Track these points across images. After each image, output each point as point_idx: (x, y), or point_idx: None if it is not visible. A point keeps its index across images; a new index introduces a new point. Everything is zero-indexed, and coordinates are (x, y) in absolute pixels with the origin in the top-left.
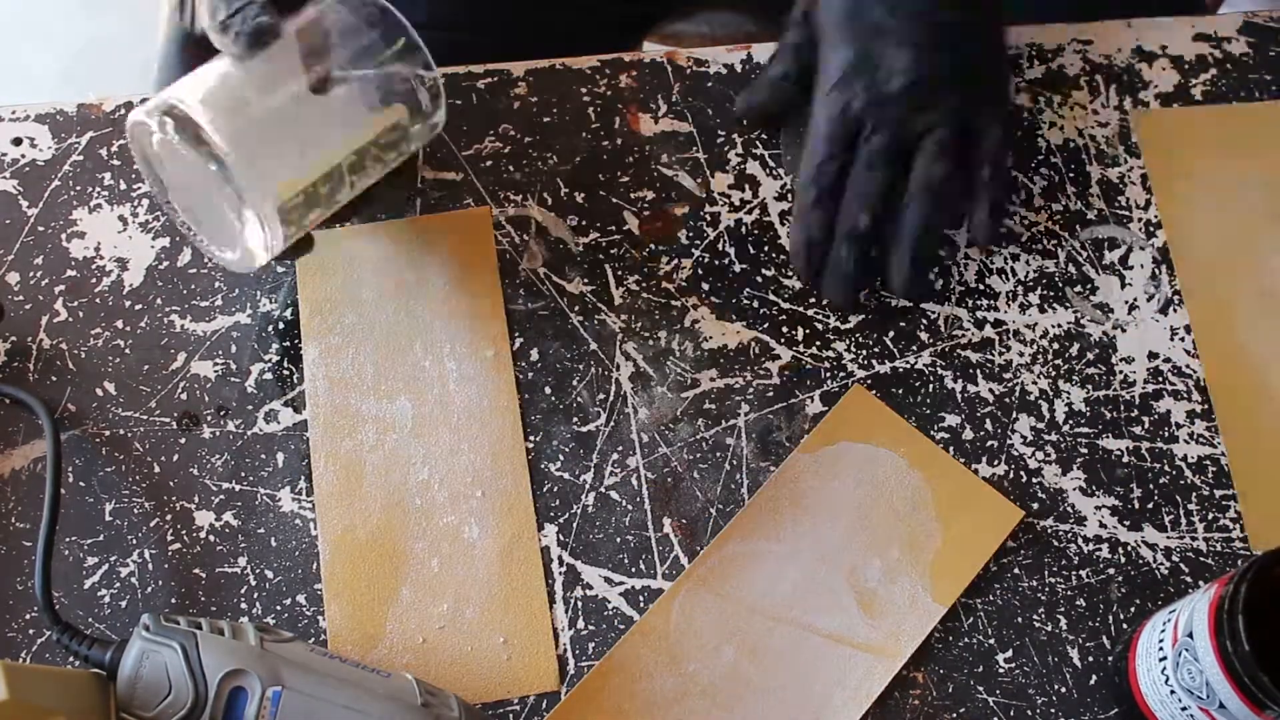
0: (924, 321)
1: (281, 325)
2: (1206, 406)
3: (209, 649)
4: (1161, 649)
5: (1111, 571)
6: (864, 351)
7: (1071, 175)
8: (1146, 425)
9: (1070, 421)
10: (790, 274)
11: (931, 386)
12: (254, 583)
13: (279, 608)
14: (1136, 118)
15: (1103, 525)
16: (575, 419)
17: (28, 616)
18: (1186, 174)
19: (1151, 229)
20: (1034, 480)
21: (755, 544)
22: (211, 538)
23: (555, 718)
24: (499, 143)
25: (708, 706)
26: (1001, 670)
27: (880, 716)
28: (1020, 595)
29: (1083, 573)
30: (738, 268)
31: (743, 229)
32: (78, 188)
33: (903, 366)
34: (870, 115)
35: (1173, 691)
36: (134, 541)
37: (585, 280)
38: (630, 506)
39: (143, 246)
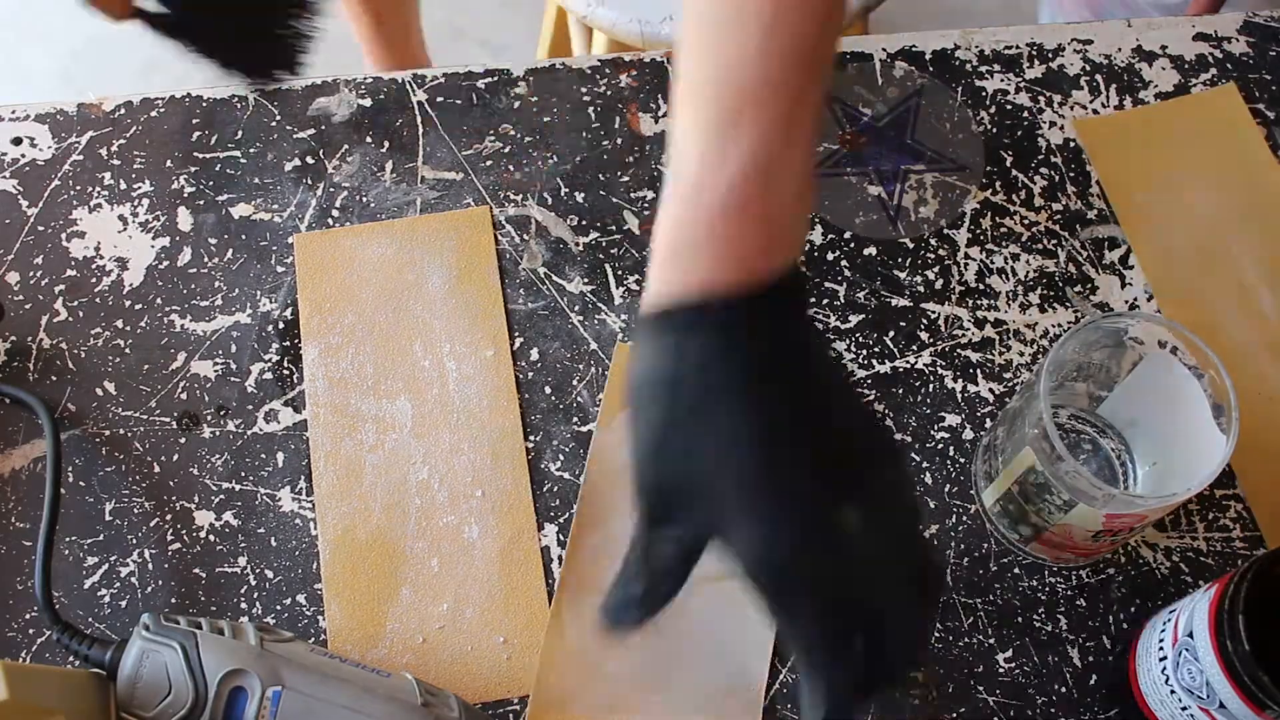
0: (924, 321)
1: (281, 325)
2: None
3: (209, 649)
4: (1161, 649)
5: (1111, 571)
6: (864, 351)
7: (1071, 175)
8: None
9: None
10: None
11: (931, 386)
12: (254, 583)
13: (279, 608)
14: (1079, 126)
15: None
16: (575, 419)
17: (28, 616)
18: (1142, 178)
19: None
20: None
21: (605, 530)
22: (211, 538)
23: None
24: (499, 143)
25: (646, 692)
26: (1001, 670)
27: (881, 716)
28: (1020, 595)
29: (1083, 573)
30: None
31: None
32: (78, 188)
33: (903, 366)
34: None
35: (1173, 691)
36: (134, 541)
37: (585, 280)
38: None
39: (143, 246)
